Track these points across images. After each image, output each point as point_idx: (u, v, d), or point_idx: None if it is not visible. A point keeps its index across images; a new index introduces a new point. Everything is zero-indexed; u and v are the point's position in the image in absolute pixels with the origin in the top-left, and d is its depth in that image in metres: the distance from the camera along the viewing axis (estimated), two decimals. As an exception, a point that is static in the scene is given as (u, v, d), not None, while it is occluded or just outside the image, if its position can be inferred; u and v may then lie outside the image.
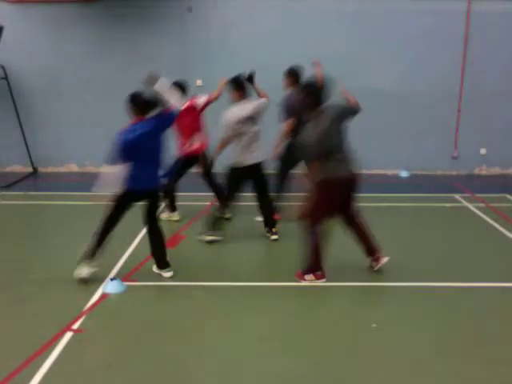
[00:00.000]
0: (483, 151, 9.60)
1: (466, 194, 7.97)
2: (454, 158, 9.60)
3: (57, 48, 9.16)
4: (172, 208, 6.54)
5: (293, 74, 6.07)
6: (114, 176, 4.43)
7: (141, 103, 4.50)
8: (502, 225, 6.42)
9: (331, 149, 4.47)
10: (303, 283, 4.71)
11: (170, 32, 9.10)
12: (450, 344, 3.78)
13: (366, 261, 4.97)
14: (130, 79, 9.52)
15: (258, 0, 8.98)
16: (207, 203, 7.12)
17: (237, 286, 4.70)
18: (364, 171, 9.29)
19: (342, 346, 3.76)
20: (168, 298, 4.52)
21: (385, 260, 4.91)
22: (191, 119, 6.11)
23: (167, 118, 4.65)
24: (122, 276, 4.80)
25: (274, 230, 5.85)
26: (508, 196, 7.91)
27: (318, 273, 4.73)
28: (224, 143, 5.63)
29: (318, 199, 4.55)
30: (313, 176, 4.53)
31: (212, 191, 6.41)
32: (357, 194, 4.75)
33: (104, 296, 4.46)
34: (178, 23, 9.07)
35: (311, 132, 4.45)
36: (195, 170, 6.41)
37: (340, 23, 9.02)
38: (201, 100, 6.16)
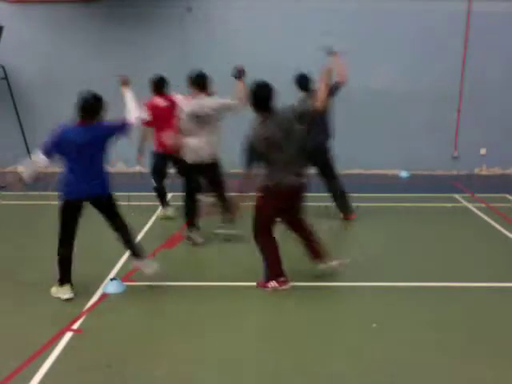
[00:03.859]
0: (483, 151, 9.60)
1: (466, 194, 7.97)
2: (454, 157, 9.60)
3: (57, 48, 9.16)
4: (163, 204, 6.68)
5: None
6: (33, 164, 4.43)
7: (91, 108, 4.47)
8: (502, 225, 6.42)
9: (273, 157, 4.26)
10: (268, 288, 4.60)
11: (170, 32, 9.10)
12: (450, 344, 3.78)
13: (366, 261, 4.96)
14: (130, 79, 9.59)
15: (258, 0, 8.99)
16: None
17: (236, 286, 4.70)
18: (364, 171, 9.49)
19: (342, 345, 3.75)
20: (168, 298, 4.51)
21: (334, 263, 4.73)
22: (169, 116, 6.03)
23: (120, 129, 4.50)
24: (121, 276, 4.80)
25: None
26: (508, 196, 7.91)
27: (281, 279, 4.60)
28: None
29: (261, 206, 4.45)
30: (251, 181, 4.39)
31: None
32: (303, 202, 4.60)
33: (104, 296, 4.46)
34: (178, 23, 9.07)
35: (252, 136, 4.28)
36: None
37: (340, 23, 9.01)
38: (179, 101, 5.94)
